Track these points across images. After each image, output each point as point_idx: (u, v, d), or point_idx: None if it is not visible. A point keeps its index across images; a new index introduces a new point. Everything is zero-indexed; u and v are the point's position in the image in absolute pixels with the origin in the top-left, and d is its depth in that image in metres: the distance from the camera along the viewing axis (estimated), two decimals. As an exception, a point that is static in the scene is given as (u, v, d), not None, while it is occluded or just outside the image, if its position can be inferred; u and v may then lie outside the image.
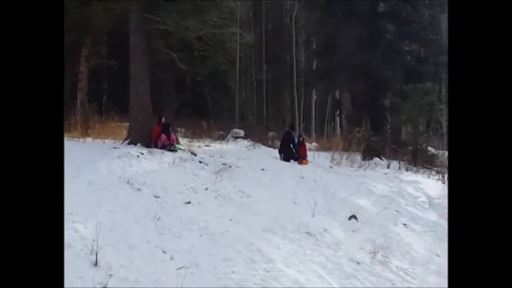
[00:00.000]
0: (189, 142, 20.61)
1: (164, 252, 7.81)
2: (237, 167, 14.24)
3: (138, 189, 10.67)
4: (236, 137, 25.38)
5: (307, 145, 20.29)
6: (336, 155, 18.69)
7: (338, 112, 36.76)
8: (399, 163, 18.77)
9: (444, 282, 9.13)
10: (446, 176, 17.27)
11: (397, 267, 9.39)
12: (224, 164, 14.28)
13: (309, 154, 18.91)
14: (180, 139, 19.15)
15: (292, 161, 17.31)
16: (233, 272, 7.60)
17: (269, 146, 23.39)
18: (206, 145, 21.13)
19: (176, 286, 6.54)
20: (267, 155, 18.74)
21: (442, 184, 16.14)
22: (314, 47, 35.78)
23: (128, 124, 17.69)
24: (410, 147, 21.05)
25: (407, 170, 18.18)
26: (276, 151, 19.03)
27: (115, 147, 14.65)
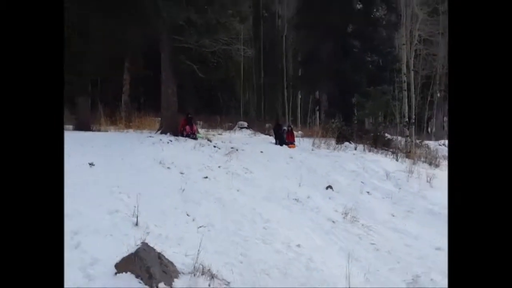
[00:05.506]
0: (206, 131, 20.57)
1: (188, 215, 7.77)
2: (242, 150, 14.25)
3: (168, 168, 10.64)
4: (241, 128, 25.42)
5: (295, 133, 20.29)
6: (317, 141, 18.62)
7: (317, 108, 36.79)
8: (364, 146, 18.68)
9: (397, 236, 9.15)
10: (399, 155, 17.37)
11: (363, 225, 9.37)
12: (232, 148, 14.29)
13: (296, 140, 18.93)
14: (199, 130, 19.13)
15: (284, 145, 17.37)
16: (239, 230, 7.58)
17: (266, 134, 23.41)
18: (219, 134, 21.18)
19: (197, 241, 6.49)
20: (265, 141, 18.78)
21: (396, 162, 16.14)
22: (299, 58, 35.53)
23: (160, 118, 17.68)
24: (372, 134, 20.97)
25: (369, 151, 18.12)
26: (272, 138, 19.11)
27: (150, 136, 14.61)
